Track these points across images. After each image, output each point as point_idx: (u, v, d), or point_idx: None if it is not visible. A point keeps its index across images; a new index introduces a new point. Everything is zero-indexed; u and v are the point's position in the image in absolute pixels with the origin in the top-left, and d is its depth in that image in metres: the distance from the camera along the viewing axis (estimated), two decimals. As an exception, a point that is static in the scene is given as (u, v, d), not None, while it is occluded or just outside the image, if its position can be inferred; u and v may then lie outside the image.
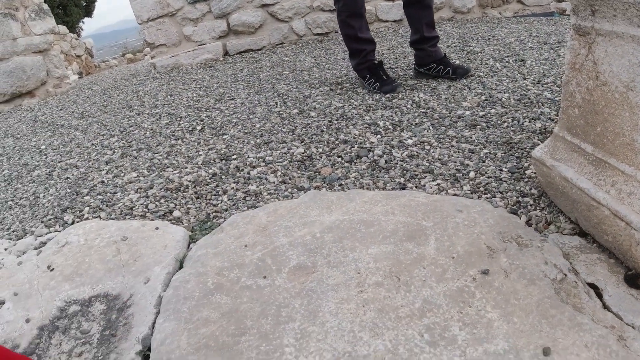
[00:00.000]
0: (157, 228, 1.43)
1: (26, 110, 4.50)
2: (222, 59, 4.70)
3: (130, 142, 2.51)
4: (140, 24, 4.83)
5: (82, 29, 14.91)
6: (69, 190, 2.03)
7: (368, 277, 1.02)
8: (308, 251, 1.13)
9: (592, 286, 0.99)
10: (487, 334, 0.84)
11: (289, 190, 1.56)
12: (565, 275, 0.99)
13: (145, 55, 9.92)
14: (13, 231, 1.78)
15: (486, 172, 1.44)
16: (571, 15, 1.09)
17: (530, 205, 1.27)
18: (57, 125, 3.41)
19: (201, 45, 4.77)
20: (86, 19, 14.94)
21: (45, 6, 5.42)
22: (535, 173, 1.36)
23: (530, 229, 1.15)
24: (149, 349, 0.98)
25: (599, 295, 0.96)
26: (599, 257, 1.07)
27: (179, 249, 1.31)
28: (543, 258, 1.03)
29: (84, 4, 14.23)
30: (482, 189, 1.37)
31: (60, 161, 2.49)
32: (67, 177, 2.21)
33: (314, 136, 1.97)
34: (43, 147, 2.88)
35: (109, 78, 5.91)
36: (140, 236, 1.41)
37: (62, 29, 8.42)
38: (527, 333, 0.84)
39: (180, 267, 1.24)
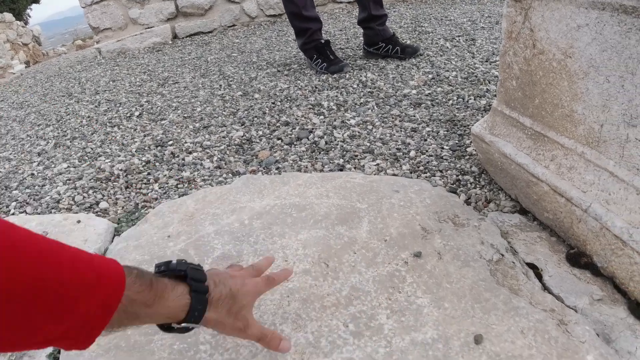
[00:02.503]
0: (79, 221, 1.31)
1: (-34, 102, 4.22)
2: (170, 42, 4.51)
3: (65, 131, 2.35)
4: (83, 7, 4.58)
5: (29, 16, 14.23)
6: (-2, 185, 1.88)
7: (295, 265, 0.94)
8: (234, 239, 1.05)
9: (532, 266, 0.94)
10: (415, 322, 0.78)
11: (224, 175, 1.46)
12: (503, 255, 0.94)
13: (96, 42, 9.51)
14: None
15: (427, 151, 1.39)
16: (505, -20, 1.03)
17: (470, 183, 1.22)
18: None
19: (149, 28, 4.56)
20: (35, 6, 14.25)
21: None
22: (475, 150, 1.31)
23: (468, 208, 1.10)
24: (59, 352, 0.89)
25: (539, 276, 0.92)
26: (540, 235, 1.03)
27: (101, 242, 1.20)
28: (479, 238, 0.97)
29: (32, -10, 13.59)
30: (421, 167, 1.31)
31: None
32: (-1, 171, 2.05)
33: (255, 119, 1.87)
34: None
35: (55, 66, 5.61)
36: (60, 230, 1.29)
37: (8, 16, 7.97)
38: (459, 319, 0.78)
39: (100, 262, 1.14)
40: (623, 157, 0.83)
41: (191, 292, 0.59)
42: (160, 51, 4.21)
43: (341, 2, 4.60)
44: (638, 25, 0.75)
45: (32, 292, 0.43)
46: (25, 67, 7.02)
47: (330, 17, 4.18)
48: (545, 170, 1.00)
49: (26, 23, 11.92)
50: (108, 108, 2.55)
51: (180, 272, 0.62)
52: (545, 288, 0.87)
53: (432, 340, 0.74)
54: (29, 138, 2.42)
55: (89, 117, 2.47)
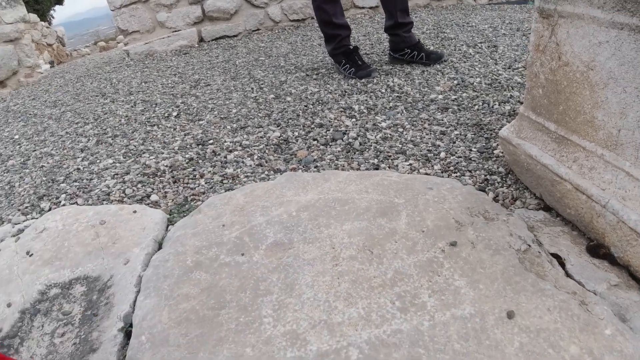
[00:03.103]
0: (135, 211, 1.44)
1: (-2, 100, 4.40)
2: (197, 45, 4.66)
3: (105, 129, 2.49)
4: (112, 10, 4.74)
5: (53, 17, 14.54)
6: (44, 179, 2.01)
7: (342, 252, 1.06)
8: (284, 229, 1.17)
9: (555, 256, 1.05)
10: (454, 300, 0.89)
11: (266, 172, 1.58)
12: (530, 246, 1.04)
13: (119, 43, 9.73)
14: None
15: (456, 152, 1.50)
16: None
17: (498, 182, 1.33)
18: (30, 114, 3.35)
19: (175, 31, 4.72)
20: (57, 7, 14.57)
21: (16, -7, 5.28)
22: (502, 152, 1.42)
23: (497, 205, 1.21)
24: (131, 325, 1.01)
25: (562, 265, 1.02)
26: (562, 229, 1.13)
27: (158, 230, 1.33)
28: (508, 230, 1.08)
29: (56, -8, 13.90)
30: (452, 168, 1.42)
31: (35, 150, 2.45)
32: (42, 166, 2.18)
33: (290, 120, 1.99)
34: (16, 136, 2.82)
35: (82, 67, 5.79)
36: (118, 220, 1.42)
37: (33, 17, 8.19)
38: (492, 298, 0.89)
39: (159, 248, 1.26)
40: (638, 158, 0.94)
41: None
42: (187, 54, 4.35)
43: (363, 8, 4.72)
44: (655, 42, 0.85)
45: None
46: (50, 67, 7.22)
47: (352, 22, 4.29)
48: (568, 171, 1.10)
49: (50, 24, 12.20)
50: (145, 108, 2.69)
51: None
52: (567, 275, 0.98)
53: (470, 315, 0.85)
54: (68, 135, 2.56)
55: (127, 116, 2.61)
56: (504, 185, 1.32)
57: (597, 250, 1.05)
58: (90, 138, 2.40)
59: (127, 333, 1.01)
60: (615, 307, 0.88)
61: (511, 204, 1.24)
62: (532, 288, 0.91)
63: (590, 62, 1.01)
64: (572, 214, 1.12)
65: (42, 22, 8.63)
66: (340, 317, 0.89)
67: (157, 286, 1.05)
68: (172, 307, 0.99)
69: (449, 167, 1.43)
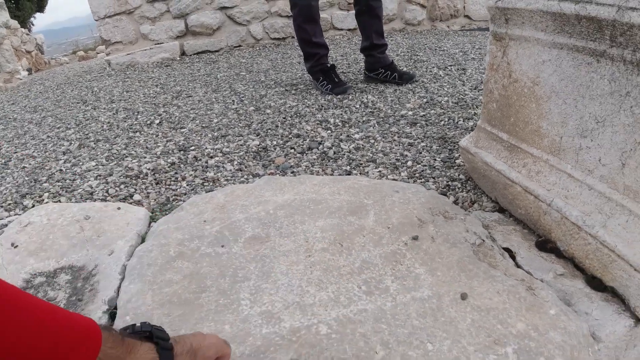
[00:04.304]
0: (119, 208, 1.51)
1: (-25, 103, 4.37)
2: (179, 58, 4.75)
3: (87, 134, 2.54)
4: (96, 20, 4.80)
5: (33, 24, 14.40)
6: (27, 179, 2.05)
7: (315, 244, 1.16)
8: (262, 224, 1.26)
9: (507, 250, 1.17)
10: (414, 285, 1.00)
11: (245, 176, 1.68)
12: (484, 240, 1.16)
13: (98, 53, 9.71)
14: None
15: (422, 162, 1.62)
16: (490, 23, 1.28)
17: (458, 188, 1.46)
18: (10, 119, 3.36)
19: (158, 44, 4.80)
20: (38, 15, 14.47)
21: (0, -1, 5.29)
22: (462, 161, 1.55)
23: (456, 207, 1.33)
24: (116, 308, 1.08)
25: (513, 257, 1.14)
26: (515, 228, 1.26)
27: (141, 226, 1.40)
28: (465, 227, 1.20)
29: (36, -1, 13.83)
30: (417, 175, 1.54)
31: (16, 152, 2.47)
32: (24, 167, 2.22)
33: (269, 131, 2.10)
34: None
35: (61, 75, 5.79)
36: (103, 215, 1.48)
37: (14, 23, 8.14)
38: (448, 283, 1.00)
39: (142, 242, 1.34)
40: (577, 161, 1.07)
41: (157, 349, 0.68)
42: (169, 66, 4.44)
43: (342, 29, 4.90)
44: (586, 60, 1.00)
45: (26, 355, 0.54)
46: (28, 74, 7.17)
47: (331, 42, 4.46)
48: (518, 175, 1.23)
49: (30, 31, 12.10)
50: (127, 116, 2.76)
51: (146, 333, 0.70)
52: (517, 265, 1.10)
53: (428, 297, 0.96)
54: (49, 139, 2.60)
55: (109, 122, 2.67)
56: (464, 190, 1.44)
57: (545, 245, 1.17)
58: (73, 142, 2.44)
59: (112, 315, 1.08)
60: (561, 293, 1.00)
61: (469, 207, 1.37)
62: (484, 275, 1.03)
63: (536, 78, 1.15)
64: (522, 213, 1.25)
65: (23, 29, 8.57)
66: (311, 300, 0.98)
67: (141, 273, 1.13)
68: (155, 291, 1.07)
69: (414, 174, 1.55)
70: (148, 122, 2.54)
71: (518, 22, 1.16)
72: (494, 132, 1.34)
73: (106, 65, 4.89)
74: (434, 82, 2.67)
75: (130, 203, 1.64)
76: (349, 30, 4.89)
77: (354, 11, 2.73)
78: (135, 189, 1.72)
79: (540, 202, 1.16)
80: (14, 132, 2.92)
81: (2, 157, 2.44)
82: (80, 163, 2.11)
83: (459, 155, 1.63)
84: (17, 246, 1.43)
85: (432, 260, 1.08)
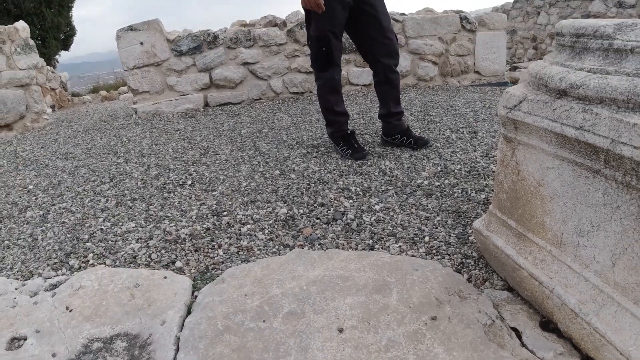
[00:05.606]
0: (165, 277, 1.68)
1: (3, 143, 4.59)
2: (202, 109, 5.02)
3: (122, 191, 2.73)
4: (125, 70, 5.10)
5: (57, 62, 14.97)
6: (68, 235, 2.21)
7: (346, 322, 1.32)
8: (297, 300, 1.43)
9: (514, 329, 1.32)
10: (434, 366, 1.15)
11: (276, 247, 1.85)
12: (494, 321, 1.32)
13: (121, 94, 10.11)
14: (18, 271, 1.94)
15: (438, 237, 1.79)
16: (500, 127, 1.47)
17: (472, 265, 1.61)
18: (41, 164, 3.54)
19: (183, 95, 5.08)
20: (62, 52, 15.06)
21: (31, 42, 5.61)
22: (475, 240, 1.71)
23: (470, 285, 1.48)
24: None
25: (519, 336, 1.29)
26: (521, 307, 1.41)
27: (187, 296, 1.57)
28: (477, 307, 1.35)
29: (62, 37, 14.41)
30: (434, 251, 1.71)
31: (53, 204, 2.63)
32: (64, 222, 2.38)
33: (295, 198, 2.29)
34: (30, 187, 3.00)
35: (86, 117, 6.05)
36: (151, 284, 1.65)
37: (40, 61, 8.53)
38: (463, 365, 1.15)
39: (188, 312, 1.50)
40: (576, 255, 1.23)
41: None
42: (193, 117, 4.69)
43: (357, 85, 5.17)
44: (584, 173, 1.17)
45: None
46: (52, 111, 7.48)
47: (347, 98, 4.71)
48: (525, 261, 1.39)
49: (55, 68, 12.60)
50: (159, 173, 2.96)
51: None
52: (523, 345, 1.25)
53: (445, 378, 1.11)
54: (85, 193, 2.78)
55: (142, 180, 2.87)
56: (477, 268, 1.60)
57: (548, 325, 1.32)
58: (109, 199, 2.63)
59: (169, 384, 1.23)
60: (558, 374, 1.15)
61: (481, 284, 1.52)
62: (494, 355, 1.18)
63: (541, 180, 1.33)
64: (528, 295, 1.40)
65: (48, 67, 8.95)
66: (344, 376, 1.14)
67: (194, 345, 1.29)
68: (207, 363, 1.23)
69: (432, 250, 1.71)
70: (180, 181, 2.74)
71: (526, 132, 1.34)
72: (504, 219, 1.51)
73: (132, 113, 5.16)
74: (447, 147, 2.87)
75: (173, 270, 1.81)
76: (364, 85, 5.16)
77: (368, 68, 2.94)
78: (176, 255, 1.89)
79: (543, 288, 1.31)
80: (47, 180, 3.09)
81: (40, 207, 2.61)
82: (120, 223, 2.28)
83: (472, 233, 1.80)
84: (71, 310, 1.60)
85: (449, 340, 1.23)
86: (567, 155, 1.21)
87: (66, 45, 14.91)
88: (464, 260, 1.65)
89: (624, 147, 1.01)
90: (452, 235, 1.81)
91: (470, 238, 1.77)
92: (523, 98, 1.31)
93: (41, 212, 2.55)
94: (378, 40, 2.69)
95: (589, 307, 1.17)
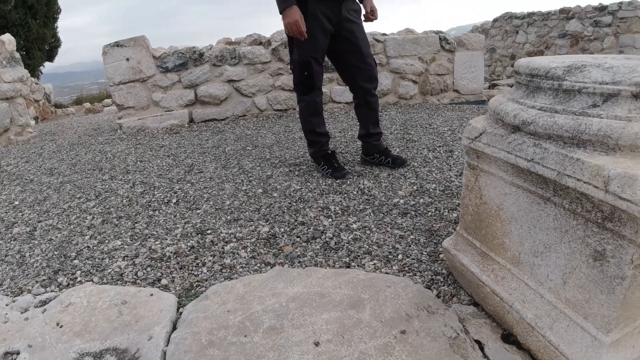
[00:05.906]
0: (151, 294, 1.76)
1: (-15, 155, 4.56)
2: (187, 125, 5.10)
3: (108, 208, 2.78)
4: (111, 85, 5.15)
5: (41, 72, 14.86)
6: (56, 252, 2.27)
7: (322, 336, 1.42)
8: (277, 316, 1.52)
9: (478, 342, 1.43)
10: (401, 377, 1.25)
11: (258, 265, 1.95)
12: (458, 334, 1.43)
13: (105, 106, 10.12)
14: (7, 287, 1.99)
15: (411, 255, 1.91)
16: (465, 155, 1.59)
17: (441, 281, 1.73)
18: (26, 180, 3.54)
19: (168, 111, 5.15)
20: (46, 63, 14.97)
21: (17, 55, 5.62)
22: (444, 258, 1.83)
23: (438, 300, 1.60)
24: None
25: (482, 348, 1.40)
26: (485, 321, 1.52)
27: (172, 312, 1.65)
28: (444, 322, 1.47)
29: (47, 48, 14.34)
30: (407, 268, 1.82)
31: (40, 221, 2.65)
32: (51, 239, 2.43)
33: (277, 216, 2.39)
34: (16, 202, 3.01)
35: (70, 130, 6.04)
36: (138, 301, 1.73)
37: (25, 73, 8.49)
38: (428, 376, 1.25)
39: (174, 327, 1.59)
40: (532, 274, 1.36)
41: None
42: (177, 133, 4.77)
43: (340, 102, 5.31)
44: (536, 200, 1.29)
45: None
46: (35, 123, 7.43)
47: (330, 115, 4.85)
48: (487, 278, 1.51)
49: (38, 79, 12.54)
50: (144, 191, 3.03)
51: None
52: (485, 356, 1.36)
53: (411, 388, 1.21)
54: (71, 209, 2.83)
55: (128, 197, 2.93)
56: (446, 284, 1.72)
57: (509, 337, 1.44)
58: (95, 216, 2.68)
59: (156, 396, 1.32)
60: (515, 383, 1.26)
61: (450, 300, 1.64)
62: (457, 368, 1.28)
63: (500, 205, 1.45)
64: (491, 309, 1.52)
65: (32, 78, 8.89)
66: (320, 387, 1.23)
67: (180, 359, 1.38)
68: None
69: (404, 268, 1.83)
70: (165, 199, 2.81)
71: (486, 161, 1.47)
72: (470, 239, 1.63)
73: (117, 128, 5.20)
74: (424, 167, 3.00)
75: (159, 287, 1.88)
76: (346, 103, 5.30)
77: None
78: (162, 273, 1.97)
79: (504, 303, 1.43)
80: (33, 196, 3.11)
81: (26, 224, 2.64)
82: (106, 241, 2.34)
83: (442, 252, 1.92)
84: (62, 326, 1.67)
85: (416, 352, 1.33)
86: (521, 184, 1.34)
87: (50, 56, 14.84)
88: (434, 277, 1.76)
89: (569, 179, 1.14)
90: (424, 253, 1.93)
91: (441, 256, 1.89)
92: (483, 130, 1.44)
93: (28, 229, 2.59)
94: (358, 66, 2.83)
95: (544, 321, 1.29)
